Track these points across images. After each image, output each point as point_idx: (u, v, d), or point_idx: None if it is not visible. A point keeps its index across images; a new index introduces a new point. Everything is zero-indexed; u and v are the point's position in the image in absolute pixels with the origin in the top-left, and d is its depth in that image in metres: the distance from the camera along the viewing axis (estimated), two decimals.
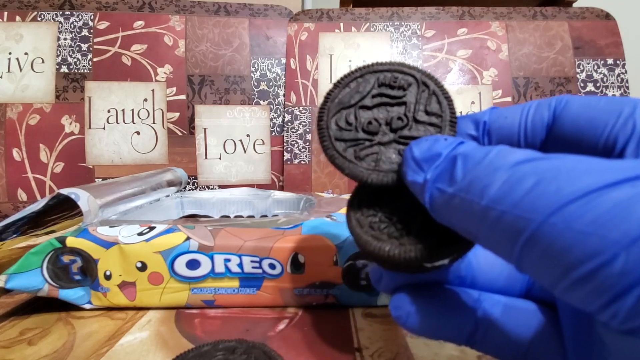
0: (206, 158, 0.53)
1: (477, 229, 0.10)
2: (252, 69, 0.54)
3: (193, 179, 0.52)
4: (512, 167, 0.09)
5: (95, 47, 0.51)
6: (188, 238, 0.22)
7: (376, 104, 0.14)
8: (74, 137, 0.50)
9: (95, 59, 0.51)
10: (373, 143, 0.14)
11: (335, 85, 0.15)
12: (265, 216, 0.38)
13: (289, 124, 0.53)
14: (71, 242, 0.21)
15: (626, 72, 0.53)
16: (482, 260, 0.15)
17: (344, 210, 0.27)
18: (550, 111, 0.13)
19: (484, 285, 0.14)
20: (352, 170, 0.13)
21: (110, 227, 0.23)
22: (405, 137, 0.14)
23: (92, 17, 0.52)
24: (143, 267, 0.22)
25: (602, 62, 0.53)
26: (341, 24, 0.55)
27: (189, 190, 0.51)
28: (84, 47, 0.51)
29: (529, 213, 0.08)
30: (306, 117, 0.53)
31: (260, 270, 0.22)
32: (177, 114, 0.52)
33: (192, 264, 0.22)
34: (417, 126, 0.14)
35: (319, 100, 0.53)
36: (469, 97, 0.53)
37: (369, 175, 0.13)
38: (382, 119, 0.14)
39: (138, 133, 0.51)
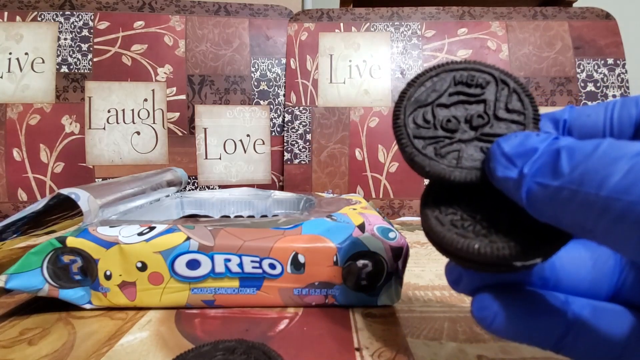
0: (206, 158, 0.53)
1: (595, 222, 0.09)
2: (252, 69, 0.54)
3: (193, 179, 0.52)
4: (634, 156, 0.09)
5: (95, 47, 0.51)
6: (188, 238, 0.22)
7: (454, 102, 0.14)
8: (74, 137, 0.50)
9: (95, 59, 0.51)
10: (453, 140, 0.14)
11: (410, 84, 0.15)
12: (266, 216, 0.38)
13: (289, 124, 0.53)
14: (71, 242, 0.21)
15: (626, 72, 0.53)
16: (566, 261, 0.14)
17: (344, 210, 0.27)
18: (639, 108, 0.12)
19: (567, 287, 0.14)
20: (434, 167, 0.13)
21: (111, 227, 0.23)
22: (488, 134, 0.13)
23: (92, 17, 0.52)
24: (143, 267, 0.22)
25: (602, 62, 0.53)
26: (341, 24, 0.55)
27: (189, 190, 0.51)
28: (84, 47, 0.51)
29: None
30: (306, 117, 0.53)
31: (260, 270, 0.22)
32: (177, 114, 0.52)
33: (192, 264, 0.22)
34: (499, 124, 0.13)
35: (319, 100, 0.53)
36: None
37: (452, 172, 0.13)
38: (461, 116, 0.14)
39: (138, 133, 0.51)
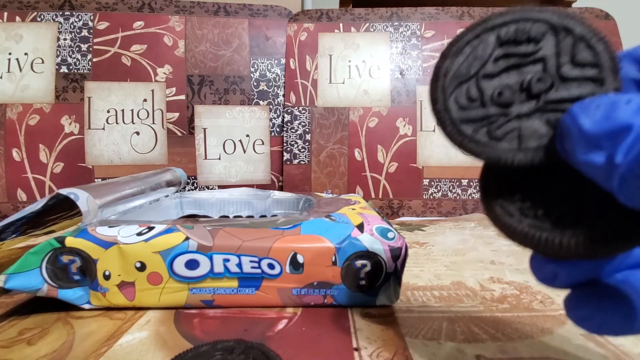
0: (206, 158, 0.53)
1: None
2: (252, 69, 0.54)
3: (192, 179, 0.52)
4: None
5: (95, 47, 0.51)
6: (187, 238, 0.22)
7: (503, 68, 0.11)
8: (73, 137, 0.50)
9: (95, 59, 0.51)
10: (510, 117, 0.11)
11: (445, 55, 0.12)
12: (265, 216, 0.38)
13: (289, 124, 0.53)
14: (70, 242, 0.21)
15: None
16: None
17: (343, 210, 0.27)
18: None
19: None
20: (491, 154, 0.11)
21: (110, 227, 0.23)
22: (554, 101, 0.11)
23: (91, 18, 0.52)
24: (142, 267, 0.22)
25: None
26: (341, 24, 0.55)
27: (189, 190, 0.51)
28: (84, 47, 0.51)
29: None
30: (306, 117, 0.53)
31: (259, 270, 0.22)
32: (176, 114, 0.52)
33: (191, 264, 0.22)
34: (567, 85, 0.11)
35: (319, 101, 0.53)
36: None
37: (514, 156, 0.11)
38: (515, 84, 0.11)
39: (138, 133, 0.51)
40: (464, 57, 0.12)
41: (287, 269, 0.22)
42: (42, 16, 0.51)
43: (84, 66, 0.51)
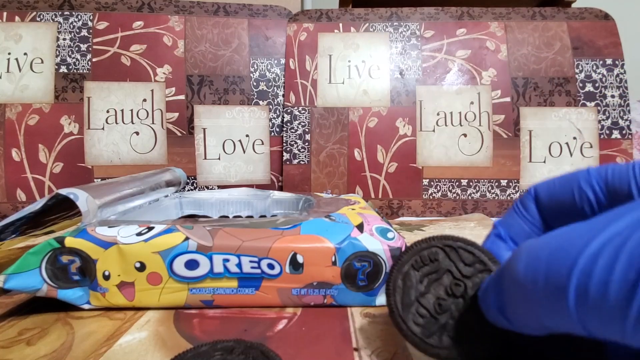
0: (205, 158, 0.53)
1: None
2: (252, 69, 0.54)
3: (192, 179, 0.52)
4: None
5: (94, 47, 0.51)
6: (187, 238, 0.22)
7: (428, 284, 0.16)
8: (73, 137, 0.50)
9: (94, 59, 0.51)
10: (454, 318, 0.15)
11: (388, 294, 0.16)
12: (264, 216, 0.38)
13: (288, 124, 0.53)
14: (70, 242, 0.21)
15: (625, 72, 0.53)
16: None
17: (343, 210, 0.27)
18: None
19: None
20: (462, 352, 0.15)
21: (109, 227, 0.23)
22: (471, 294, 0.15)
23: (91, 18, 0.52)
24: (142, 267, 0.22)
25: (600, 62, 0.53)
26: (340, 25, 0.55)
27: (188, 190, 0.51)
28: (83, 47, 0.51)
29: None
30: (305, 118, 0.53)
31: (259, 271, 0.22)
32: (176, 114, 0.52)
33: (191, 264, 0.22)
34: (471, 279, 0.15)
35: (318, 101, 0.53)
36: (468, 98, 0.53)
37: (482, 346, 0.15)
38: (444, 293, 0.16)
39: (137, 133, 0.51)
40: (401, 290, 0.16)
41: (287, 269, 0.22)
42: (41, 16, 0.51)
43: (83, 66, 0.51)
